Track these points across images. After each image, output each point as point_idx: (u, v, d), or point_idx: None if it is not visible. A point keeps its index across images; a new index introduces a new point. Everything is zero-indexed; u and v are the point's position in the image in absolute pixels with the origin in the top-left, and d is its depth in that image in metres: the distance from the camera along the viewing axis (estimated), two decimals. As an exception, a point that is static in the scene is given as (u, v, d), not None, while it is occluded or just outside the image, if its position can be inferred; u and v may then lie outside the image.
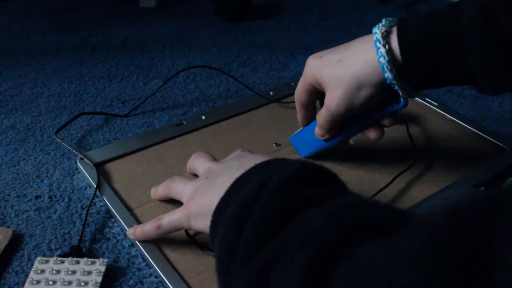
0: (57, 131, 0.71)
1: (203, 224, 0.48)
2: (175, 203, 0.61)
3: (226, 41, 0.99)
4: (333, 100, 0.58)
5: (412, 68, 0.53)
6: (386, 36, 0.54)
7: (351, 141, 0.71)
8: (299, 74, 0.90)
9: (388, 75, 0.53)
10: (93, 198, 0.61)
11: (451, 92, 0.86)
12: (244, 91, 0.83)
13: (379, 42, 0.53)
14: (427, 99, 0.80)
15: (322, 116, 0.61)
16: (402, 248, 0.27)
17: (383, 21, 0.55)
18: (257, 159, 0.48)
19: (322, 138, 0.64)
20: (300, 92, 0.64)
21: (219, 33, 1.02)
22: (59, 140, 0.70)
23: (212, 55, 0.94)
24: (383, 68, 0.53)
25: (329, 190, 0.40)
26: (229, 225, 0.40)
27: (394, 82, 0.54)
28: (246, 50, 0.96)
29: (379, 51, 0.53)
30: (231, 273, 0.38)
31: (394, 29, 0.54)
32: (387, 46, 0.53)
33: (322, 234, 0.32)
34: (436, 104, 0.79)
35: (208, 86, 0.85)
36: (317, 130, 0.63)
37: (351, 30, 1.04)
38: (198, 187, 0.52)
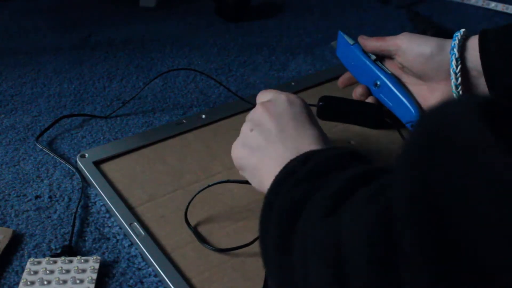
0: (37, 137, 0.71)
1: (247, 177, 0.55)
2: (176, 202, 0.61)
3: (226, 41, 0.99)
4: None
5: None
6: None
7: (352, 142, 0.71)
8: (299, 74, 0.90)
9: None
10: (80, 197, 0.61)
11: (451, 92, 0.86)
12: (244, 91, 0.83)
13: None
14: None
15: None
16: None
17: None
18: (310, 143, 0.51)
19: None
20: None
21: (219, 33, 1.02)
22: (40, 146, 0.70)
23: (212, 55, 0.94)
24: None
25: (361, 164, 0.45)
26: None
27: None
28: (246, 50, 0.96)
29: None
30: (274, 208, 0.42)
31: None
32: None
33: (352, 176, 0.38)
34: (436, 104, 0.79)
35: (208, 86, 0.85)
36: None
37: (351, 30, 1.04)
38: (246, 140, 0.55)
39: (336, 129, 0.73)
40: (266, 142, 0.52)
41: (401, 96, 0.69)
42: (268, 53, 0.96)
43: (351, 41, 0.74)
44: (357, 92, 0.74)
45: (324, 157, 0.45)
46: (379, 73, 0.71)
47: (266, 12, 1.11)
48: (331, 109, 0.72)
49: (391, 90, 0.70)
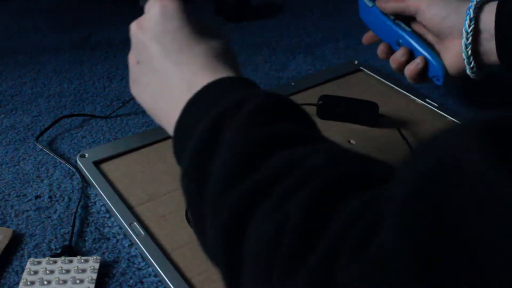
0: (37, 137, 0.71)
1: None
2: (176, 202, 0.61)
3: (226, 41, 0.99)
4: None
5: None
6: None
7: (352, 141, 0.71)
8: (299, 74, 0.90)
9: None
10: (80, 197, 0.61)
11: (451, 93, 0.86)
12: (244, 91, 0.83)
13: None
14: (427, 100, 0.80)
15: None
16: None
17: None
18: (200, 69, 0.41)
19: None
20: None
21: (219, 33, 1.02)
22: (40, 146, 0.70)
23: (212, 55, 0.94)
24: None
25: (307, 130, 0.37)
26: (193, 156, 0.36)
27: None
28: (246, 50, 0.96)
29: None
30: (204, 197, 0.35)
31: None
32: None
33: (323, 175, 0.30)
34: (436, 105, 0.79)
35: (208, 86, 0.85)
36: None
37: (351, 30, 1.04)
38: (134, 75, 0.45)
39: (336, 128, 0.73)
40: (151, 75, 0.43)
41: (424, 52, 0.69)
42: (268, 53, 0.96)
43: (370, 3, 0.75)
44: (380, 50, 0.74)
45: (245, 116, 0.34)
46: (400, 32, 0.71)
47: (266, 12, 1.11)
48: (330, 107, 0.73)
49: (414, 47, 0.70)
